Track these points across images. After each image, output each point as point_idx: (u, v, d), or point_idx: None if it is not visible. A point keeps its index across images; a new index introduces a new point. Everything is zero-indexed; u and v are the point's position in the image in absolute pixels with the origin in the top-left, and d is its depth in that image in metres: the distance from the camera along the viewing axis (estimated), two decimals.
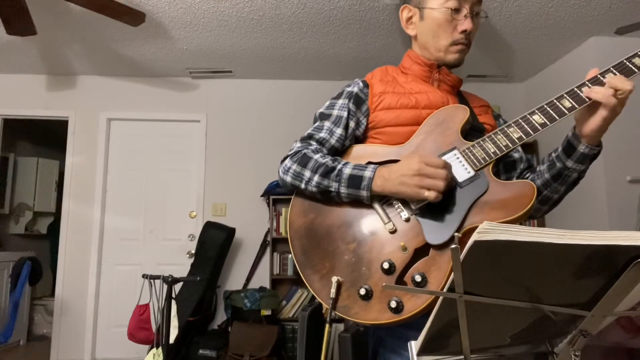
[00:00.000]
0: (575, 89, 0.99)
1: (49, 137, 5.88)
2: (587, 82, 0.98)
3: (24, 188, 5.70)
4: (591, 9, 3.13)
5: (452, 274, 0.92)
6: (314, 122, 1.20)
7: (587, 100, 0.97)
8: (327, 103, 1.21)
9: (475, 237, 0.55)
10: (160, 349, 2.41)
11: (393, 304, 0.93)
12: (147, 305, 3.11)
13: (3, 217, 5.56)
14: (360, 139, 1.19)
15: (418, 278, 0.94)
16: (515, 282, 0.63)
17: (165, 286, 2.47)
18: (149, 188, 4.33)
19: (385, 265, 0.97)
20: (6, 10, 2.75)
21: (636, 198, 3.31)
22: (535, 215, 1.19)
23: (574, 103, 0.98)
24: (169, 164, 4.37)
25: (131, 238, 4.27)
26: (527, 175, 1.20)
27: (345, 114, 1.16)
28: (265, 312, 3.63)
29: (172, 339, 2.46)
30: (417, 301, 0.92)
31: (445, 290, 0.63)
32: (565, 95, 0.99)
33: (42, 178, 5.82)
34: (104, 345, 4.09)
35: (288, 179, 1.10)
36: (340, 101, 1.18)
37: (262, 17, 3.26)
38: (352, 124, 1.16)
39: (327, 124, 1.16)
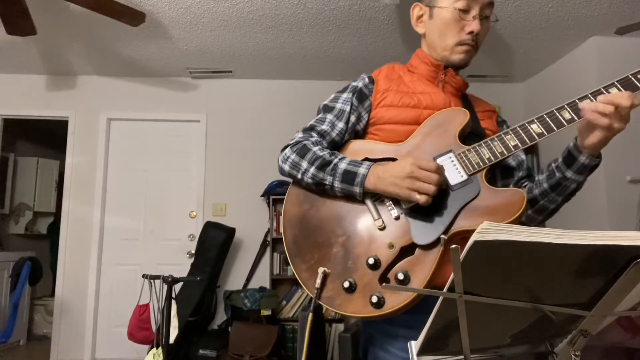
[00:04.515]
0: (577, 101, 0.98)
1: (49, 137, 5.88)
2: (589, 95, 0.98)
3: (24, 188, 5.70)
4: (591, 9, 3.13)
5: (435, 273, 0.96)
6: (317, 114, 1.21)
7: None
8: (332, 96, 1.22)
9: (475, 237, 0.55)
10: (160, 349, 2.41)
11: (374, 299, 0.96)
12: (147, 305, 3.11)
13: (3, 217, 5.56)
14: (360, 134, 1.20)
15: (401, 276, 0.97)
16: (515, 282, 0.63)
17: (165, 286, 2.47)
18: (149, 188, 4.32)
19: (371, 261, 0.99)
20: (6, 10, 2.75)
21: (636, 198, 3.31)
22: (529, 225, 1.19)
23: (573, 115, 0.98)
24: (169, 164, 4.37)
25: (131, 238, 4.26)
26: (525, 183, 1.20)
27: (347, 108, 1.17)
28: (265, 312, 3.62)
29: (172, 339, 2.46)
30: (398, 298, 0.95)
31: (445, 290, 0.63)
32: (565, 106, 0.99)
33: (42, 178, 5.81)
34: (104, 345, 4.09)
35: (286, 167, 1.13)
36: (345, 95, 1.20)
37: (262, 17, 3.26)
38: (353, 119, 1.17)
39: (329, 116, 1.17)
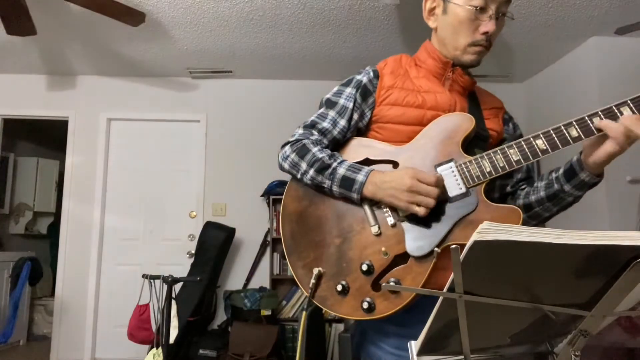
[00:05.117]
0: (586, 118, 0.96)
1: (49, 137, 5.88)
2: (599, 112, 0.95)
3: (24, 188, 5.69)
4: (591, 9, 3.13)
5: (427, 282, 0.96)
6: (319, 107, 1.19)
7: (595, 132, 0.94)
8: (335, 89, 1.20)
9: (475, 237, 0.55)
10: (160, 349, 2.41)
11: (365, 305, 0.98)
12: (147, 305, 3.11)
13: (3, 217, 5.56)
14: (362, 131, 1.19)
15: (392, 284, 0.99)
16: (515, 282, 0.63)
17: (165, 286, 2.47)
18: (149, 188, 4.32)
19: (364, 267, 1.01)
20: (6, 10, 2.75)
21: (636, 198, 3.31)
22: None
23: (581, 133, 0.95)
24: (169, 164, 4.37)
25: (131, 238, 4.26)
26: (523, 186, 1.19)
27: (350, 104, 1.15)
28: (265, 312, 3.62)
29: (172, 339, 2.46)
30: (389, 305, 0.97)
31: (445, 290, 0.63)
32: (574, 123, 0.96)
33: (42, 178, 5.81)
34: (104, 345, 4.09)
35: (286, 165, 1.13)
36: (348, 90, 1.17)
37: (262, 17, 3.26)
38: (355, 116, 1.15)
39: (331, 113, 1.15)
